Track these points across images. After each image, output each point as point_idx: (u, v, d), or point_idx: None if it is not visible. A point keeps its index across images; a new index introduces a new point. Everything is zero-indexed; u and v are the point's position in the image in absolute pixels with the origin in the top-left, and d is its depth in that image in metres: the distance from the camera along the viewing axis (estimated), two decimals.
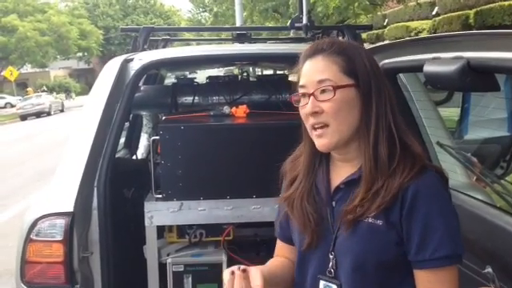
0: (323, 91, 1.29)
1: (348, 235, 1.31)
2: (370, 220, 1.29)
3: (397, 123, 1.33)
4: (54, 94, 40.62)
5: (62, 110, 33.66)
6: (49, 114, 31.24)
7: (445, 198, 1.31)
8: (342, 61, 1.31)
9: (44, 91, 39.94)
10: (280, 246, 1.55)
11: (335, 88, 1.28)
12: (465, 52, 1.26)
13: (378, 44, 1.72)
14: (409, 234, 1.28)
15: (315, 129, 1.32)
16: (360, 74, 1.31)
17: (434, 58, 1.38)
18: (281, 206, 1.51)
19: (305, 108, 1.33)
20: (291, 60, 1.40)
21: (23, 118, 30.05)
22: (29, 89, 41.20)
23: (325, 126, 1.30)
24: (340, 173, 1.38)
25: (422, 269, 1.28)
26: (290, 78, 3.40)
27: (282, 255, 1.53)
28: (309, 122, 1.33)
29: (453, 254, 1.27)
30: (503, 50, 1.15)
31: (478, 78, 1.25)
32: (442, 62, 1.33)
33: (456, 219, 1.30)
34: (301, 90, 1.34)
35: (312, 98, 1.30)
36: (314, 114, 1.30)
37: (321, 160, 1.42)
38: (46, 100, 32.23)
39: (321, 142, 1.32)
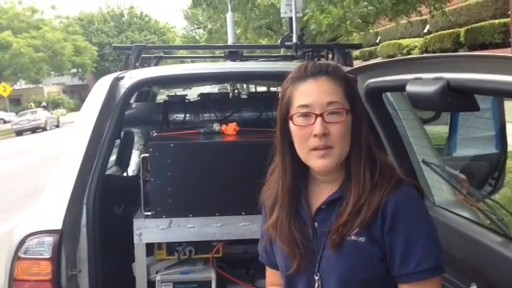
0: (332, 113, 1.30)
1: (333, 254, 1.33)
2: (353, 237, 1.31)
3: (374, 142, 1.38)
4: (58, 109, 41.04)
5: (57, 126, 33.63)
6: (44, 129, 31.22)
7: (424, 210, 1.35)
8: (345, 86, 1.34)
9: (44, 107, 40.17)
10: (270, 274, 1.55)
11: (348, 111, 1.31)
12: (445, 73, 1.29)
13: (363, 64, 1.76)
14: (391, 248, 1.30)
15: (316, 149, 1.31)
16: (357, 101, 1.36)
17: (416, 79, 1.41)
18: (264, 230, 1.51)
19: (306, 128, 1.31)
20: (280, 78, 1.42)
21: (19, 133, 30.17)
22: (31, 103, 41.59)
23: (328, 148, 1.30)
24: (320, 194, 1.40)
25: (407, 283, 1.30)
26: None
27: (275, 284, 1.53)
28: (309, 143, 1.31)
29: (436, 265, 1.29)
30: (481, 71, 1.18)
31: (458, 99, 1.27)
32: (424, 83, 1.36)
33: (435, 231, 1.33)
34: (302, 110, 1.32)
35: (320, 119, 1.29)
36: (322, 135, 1.29)
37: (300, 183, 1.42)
38: (41, 115, 32.30)
39: (323, 163, 1.31)
